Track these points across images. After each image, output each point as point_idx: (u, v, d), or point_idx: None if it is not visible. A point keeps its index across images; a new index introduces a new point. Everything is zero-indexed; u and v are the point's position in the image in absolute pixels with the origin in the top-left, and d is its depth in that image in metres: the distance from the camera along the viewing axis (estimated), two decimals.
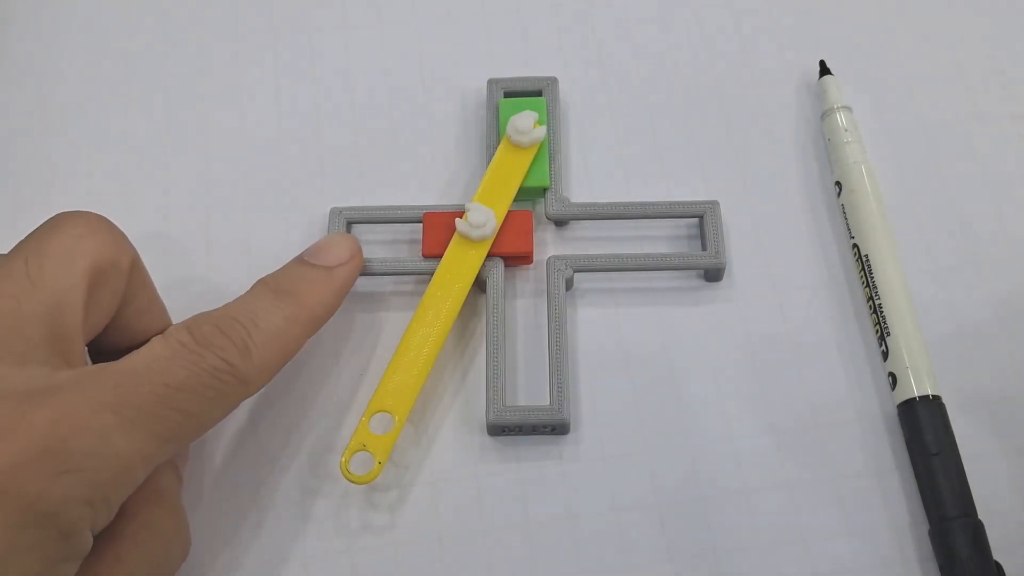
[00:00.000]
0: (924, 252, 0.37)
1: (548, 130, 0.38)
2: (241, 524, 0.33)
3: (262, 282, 0.32)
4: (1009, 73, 0.40)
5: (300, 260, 0.33)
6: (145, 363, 0.28)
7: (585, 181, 0.39)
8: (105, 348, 0.32)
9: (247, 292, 0.32)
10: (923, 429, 0.33)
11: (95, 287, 0.29)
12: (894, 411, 0.34)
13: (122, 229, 0.31)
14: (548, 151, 0.38)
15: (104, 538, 0.27)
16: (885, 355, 0.34)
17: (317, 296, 0.32)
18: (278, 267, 0.33)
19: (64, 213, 0.30)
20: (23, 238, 0.29)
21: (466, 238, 0.36)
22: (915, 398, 0.33)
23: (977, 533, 0.31)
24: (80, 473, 0.25)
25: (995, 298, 0.36)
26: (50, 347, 0.28)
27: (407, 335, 0.34)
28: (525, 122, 0.37)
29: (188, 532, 0.30)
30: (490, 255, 0.36)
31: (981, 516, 0.32)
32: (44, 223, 0.30)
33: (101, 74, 0.42)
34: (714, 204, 0.37)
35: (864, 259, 0.36)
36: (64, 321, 0.28)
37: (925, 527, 0.32)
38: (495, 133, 0.39)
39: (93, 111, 0.41)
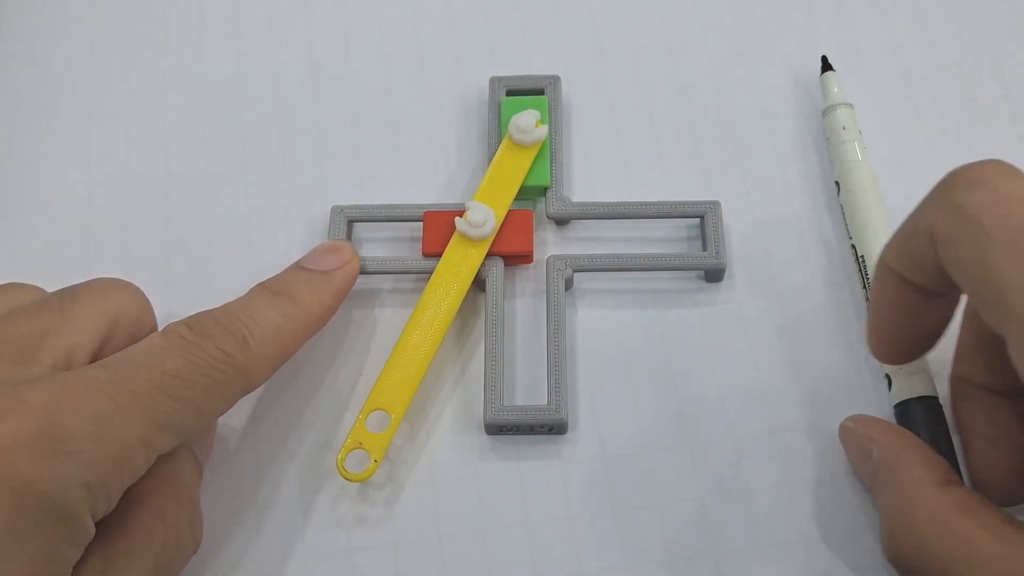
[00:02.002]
0: None
1: (550, 129, 0.38)
2: (240, 522, 0.33)
3: (259, 285, 0.33)
4: (1009, 73, 0.40)
5: (297, 265, 0.34)
6: (144, 352, 0.28)
7: (586, 181, 0.39)
8: None
9: (245, 294, 0.32)
10: (918, 430, 0.32)
11: (113, 331, 0.30)
12: (893, 411, 0.34)
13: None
14: (549, 150, 0.38)
15: (117, 527, 0.28)
16: None
17: (313, 297, 0.33)
18: (278, 266, 0.34)
19: (106, 277, 0.32)
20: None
21: (465, 237, 0.36)
22: (911, 399, 0.33)
23: None
24: (76, 455, 0.25)
25: None
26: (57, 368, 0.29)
27: (405, 333, 0.34)
28: (527, 121, 0.37)
29: (201, 525, 0.31)
30: (490, 254, 0.36)
31: None
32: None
33: (100, 70, 0.42)
34: (715, 204, 0.37)
35: (861, 260, 0.35)
36: (76, 356, 0.29)
37: None
38: (496, 131, 0.39)
39: (93, 109, 0.41)
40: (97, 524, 0.27)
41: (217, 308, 0.31)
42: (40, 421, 0.25)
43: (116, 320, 0.30)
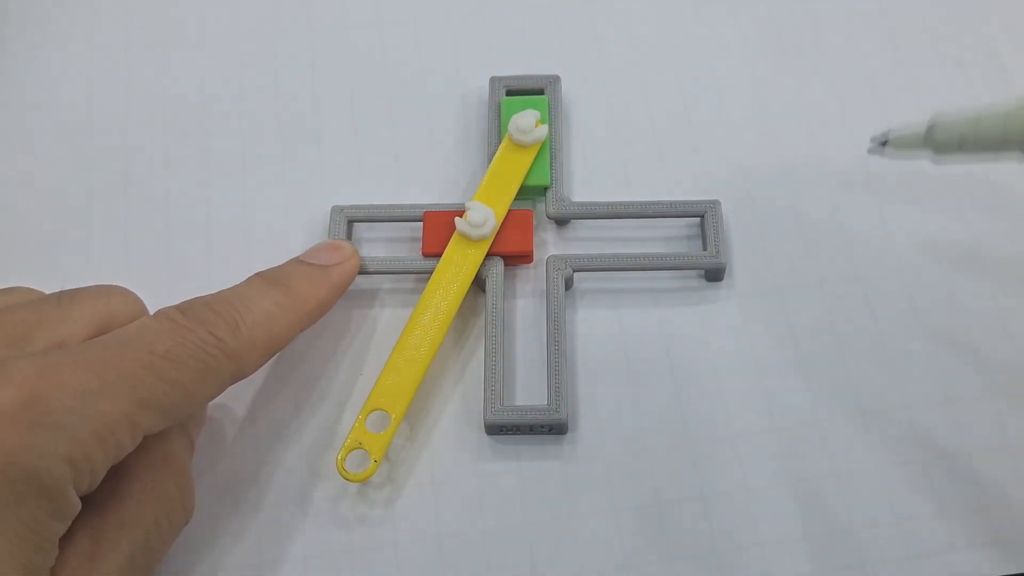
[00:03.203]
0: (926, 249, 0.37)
1: (549, 129, 0.38)
2: (239, 521, 0.33)
3: (257, 274, 0.33)
4: (1009, 72, 0.40)
5: (296, 259, 0.34)
6: (134, 333, 0.29)
7: (586, 180, 0.39)
8: None
9: (241, 282, 0.32)
10: None
11: (107, 329, 0.30)
12: (893, 411, 0.34)
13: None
14: (549, 150, 0.38)
15: (109, 500, 0.28)
16: None
17: (310, 290, 0.33)
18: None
19: (107, 284, 0.32)
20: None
21: (465, 237, 0.36)
22: None
23: None
24: (59, 429, 0.26)
25: (997, 297, 0.36)
26: None
27: (405, 333, 0.34)
28: (527, 121, 0.37)
29: (193, 498, 0.31)
30: (490, 254, 0.36)
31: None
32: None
33: (100, 67, 0.42)
34: (715, 203, 0.37)
35: None
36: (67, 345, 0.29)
37: (927, 524, 0.32)
38: (496, 131, 0.39)
39: (92, 107, 0.41)
40: (86, 498, 0.27)
41: (211, 294, 0.31)
42: (23, 394, 0.25)
43: (112, 320, 0.30)
